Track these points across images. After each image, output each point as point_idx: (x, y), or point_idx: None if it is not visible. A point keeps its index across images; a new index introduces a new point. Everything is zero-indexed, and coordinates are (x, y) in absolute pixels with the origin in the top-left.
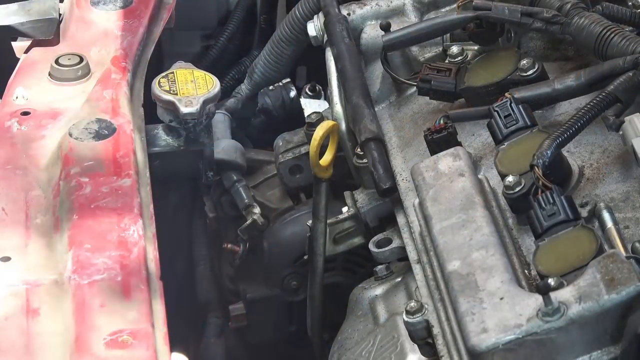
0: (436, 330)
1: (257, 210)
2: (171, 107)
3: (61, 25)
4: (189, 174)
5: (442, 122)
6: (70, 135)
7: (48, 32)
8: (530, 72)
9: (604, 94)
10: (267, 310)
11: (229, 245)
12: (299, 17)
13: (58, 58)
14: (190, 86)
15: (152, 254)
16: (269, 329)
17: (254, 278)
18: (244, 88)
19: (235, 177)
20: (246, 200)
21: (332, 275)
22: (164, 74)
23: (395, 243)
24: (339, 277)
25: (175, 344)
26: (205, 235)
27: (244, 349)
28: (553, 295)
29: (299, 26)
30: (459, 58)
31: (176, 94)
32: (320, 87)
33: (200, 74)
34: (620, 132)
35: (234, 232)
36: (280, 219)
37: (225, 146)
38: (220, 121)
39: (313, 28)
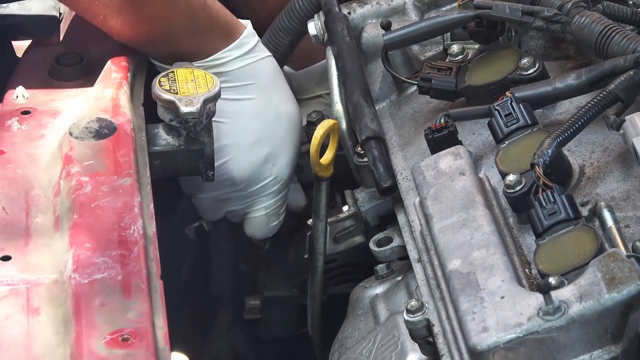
0: (437, 329)
1: None
2: (171, 106)
3: (62, 24)
4: (189, 173)
5: (442, 120)
6: (71, 134)
7: (48, 31)
8: (531, 71)
9: (604, 92)
10: (281, 309)
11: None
12: (297, 9)
13: (58, 57)
14: (191, 85)
15: (153, 253)
16: (281, 327)
17: (274, 274)
18: None
19: None
20: None
21: (345, 287)
22: (164, 73)
23: (396, 242)
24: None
25: (176, 343)
26: (225, 228)
27: (252, 346)
28: (554, 294)
29: (298, 17)
30: (460, 57)
31: (176, 93)
32: None
33: (200, 73)
34: (621, 131)
35: None
36: None
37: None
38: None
39: (314, 27)
